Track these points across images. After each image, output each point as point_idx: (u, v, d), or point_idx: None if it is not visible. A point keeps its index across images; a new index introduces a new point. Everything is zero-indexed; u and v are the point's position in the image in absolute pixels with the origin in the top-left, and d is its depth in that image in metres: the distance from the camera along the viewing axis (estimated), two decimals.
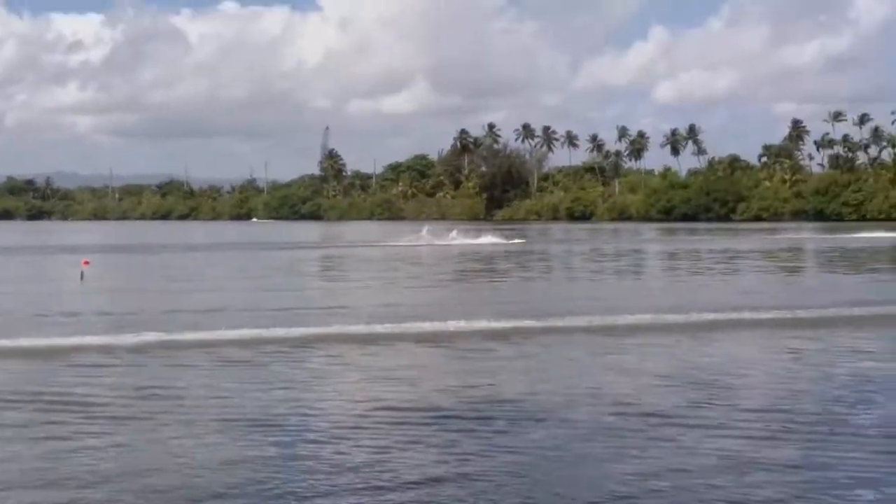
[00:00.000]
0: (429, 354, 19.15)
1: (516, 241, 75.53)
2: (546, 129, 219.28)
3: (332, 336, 20.60)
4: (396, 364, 17.56)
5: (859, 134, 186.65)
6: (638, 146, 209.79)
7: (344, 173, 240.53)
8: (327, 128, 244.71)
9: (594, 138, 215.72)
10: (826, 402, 13.92)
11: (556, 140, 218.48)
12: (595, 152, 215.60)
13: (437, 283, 37.97)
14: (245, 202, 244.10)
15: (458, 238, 76.35)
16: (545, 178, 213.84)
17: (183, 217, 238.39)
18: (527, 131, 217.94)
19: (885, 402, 13.98)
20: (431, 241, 74.39)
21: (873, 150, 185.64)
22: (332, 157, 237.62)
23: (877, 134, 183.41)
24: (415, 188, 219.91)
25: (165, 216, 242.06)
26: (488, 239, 75.83)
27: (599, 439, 11.77)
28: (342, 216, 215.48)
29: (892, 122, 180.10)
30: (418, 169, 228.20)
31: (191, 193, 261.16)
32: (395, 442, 11.64)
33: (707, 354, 18.70)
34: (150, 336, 19.95)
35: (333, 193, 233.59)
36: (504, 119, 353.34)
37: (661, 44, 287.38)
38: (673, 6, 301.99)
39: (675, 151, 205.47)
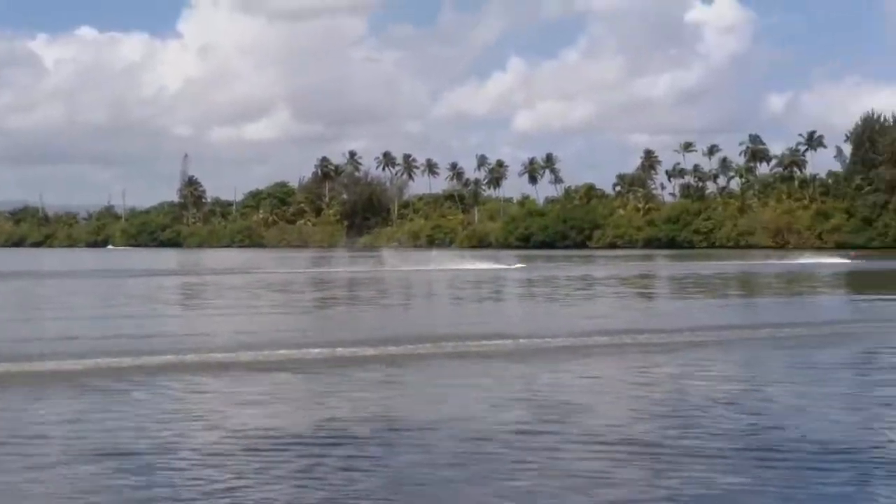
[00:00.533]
0: (287, 381, 19.08)
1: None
2: (407, 157, 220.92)
3: (191, 364, 20.37)
4: (255, 391, 17.46)
5: (709, 164, 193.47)
6: (497, 175, 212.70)
7: (204, 200, 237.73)
8: (186, 155, 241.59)
9: (454, 166, 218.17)
10: (678, 423, 14.38)
11: (417, 168, 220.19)
12: (455, 180, 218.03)
13: (298, 310, 37.83)
14: (102, 229, 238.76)
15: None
16: (406, 205, 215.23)
17: (37, 244, 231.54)
18: (387, 159, 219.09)
19: (734, 422, 14.48)
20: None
21: (722, 180, 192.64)
22: (191, 183, 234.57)
23: (725, 164, 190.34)
24: (275, 215, 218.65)
25: (18, 243, 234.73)
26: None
27: (458, 463, 11.93)
28: (202, 243, 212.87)
29: (740, 154, 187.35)
30: (279, 196, 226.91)
31: (46, 220, 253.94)
32: (254, 469, 11.61)
33: (563, 378, 19.04)
34: (1, 366, 19.44)
35: (193, 220, 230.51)
36: (365, 147, 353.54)
37: (519, 74, 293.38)
38: (530, 38, 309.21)
39: (533, 180, 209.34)
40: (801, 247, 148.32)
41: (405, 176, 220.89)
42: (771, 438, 13.21)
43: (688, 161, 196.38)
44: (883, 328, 28.33)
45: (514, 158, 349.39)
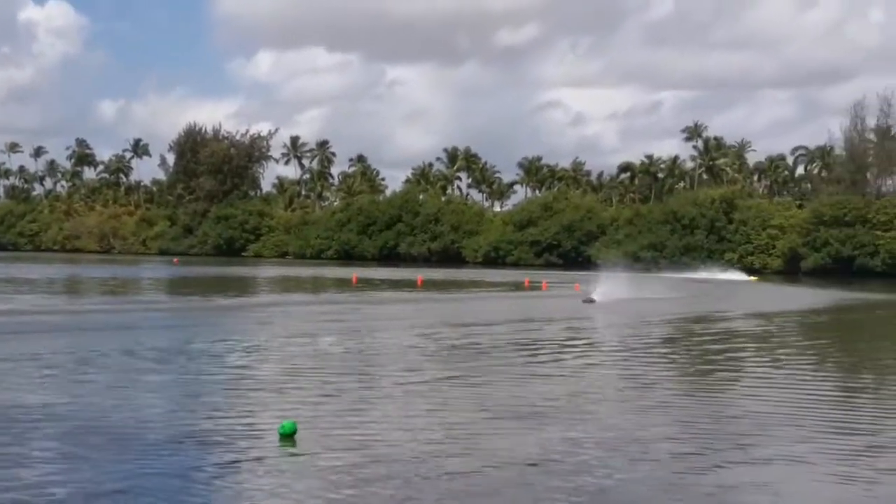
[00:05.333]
0: None
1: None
2: None
3: None
4: None
5: (35, 166, 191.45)
6: None
7: None
8: None
9: None
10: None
11: None
12: None
13: None
14: None
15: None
16: None
17: None
18: None
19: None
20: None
21: (49, 183, 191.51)
22: None
23: (52, 167, 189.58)
24: None
25: None
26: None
27: None
28: None
29: (68, 157, 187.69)
30: None
31: None
32: None
33: None
34: None
35: None
36: None
37: None
38: None
39: None
40: (127, 252, 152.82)
41: None
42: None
43: (14, 161, 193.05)
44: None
45: None
